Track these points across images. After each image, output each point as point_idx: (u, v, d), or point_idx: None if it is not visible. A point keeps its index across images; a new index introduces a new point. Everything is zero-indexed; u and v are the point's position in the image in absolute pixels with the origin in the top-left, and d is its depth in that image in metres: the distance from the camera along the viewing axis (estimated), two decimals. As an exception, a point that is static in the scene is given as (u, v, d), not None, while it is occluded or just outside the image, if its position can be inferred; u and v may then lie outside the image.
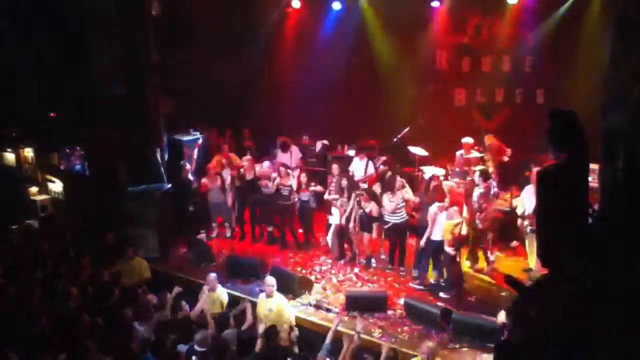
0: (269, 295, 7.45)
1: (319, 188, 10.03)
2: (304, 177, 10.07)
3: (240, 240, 10.67)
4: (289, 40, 13.47)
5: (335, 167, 10.11)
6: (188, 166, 10.77)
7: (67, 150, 11.56)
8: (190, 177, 10.69)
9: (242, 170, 10.46)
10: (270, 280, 7.56)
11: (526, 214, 8.75)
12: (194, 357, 6.08)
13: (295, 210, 10.13)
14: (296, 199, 10.03)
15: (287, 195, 10.01)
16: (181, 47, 11.91)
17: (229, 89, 12.65)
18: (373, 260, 9.54)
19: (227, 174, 10.58)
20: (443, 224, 8.23)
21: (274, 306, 7.35)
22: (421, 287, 8.65)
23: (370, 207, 9.16)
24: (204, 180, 10.59)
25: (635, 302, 4.06)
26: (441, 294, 8.38)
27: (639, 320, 3.98)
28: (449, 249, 8.22)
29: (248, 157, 10.72)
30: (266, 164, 10.44)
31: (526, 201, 8.75)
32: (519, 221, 8.99)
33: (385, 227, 9.22)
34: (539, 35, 11.27)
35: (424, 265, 8.71)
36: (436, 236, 8.42)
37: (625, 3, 4.37)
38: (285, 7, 13.22)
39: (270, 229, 10.59)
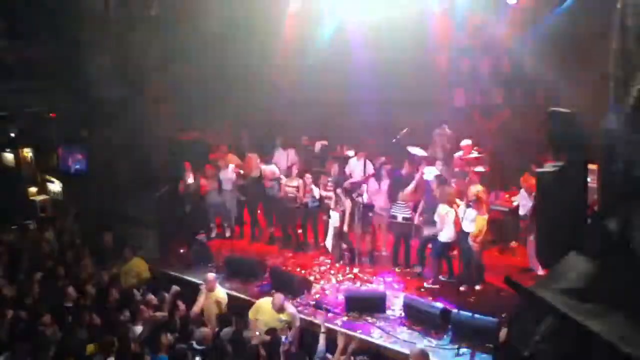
0: (279, 311, 7.28)
1: (316, 192, 9.98)
2: (308, 179, 10.05)
3: (239, 239, 10.67)
4: (289, 39, 13.43)
5: (335, 167, 10.08)
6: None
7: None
8: (190, 177, 10.67)
9: (241, 170, 10.45)
10: (278, 297, 7.33)
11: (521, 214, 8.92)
12: (197, 358, 6.07)
13: (301, 213, 10.17)
14: (303, 201, 10.03)
15: (293, 198, 10.04)
16: (181, 47, 11.90)
17: (228, 89, 12.63)
18: (373, 258, 9.57)
19: (224, 175, 10.56)
20: (475, 220, 8.23)
21: (286, 317, 7.27)
22: (436, 286, 8.65)
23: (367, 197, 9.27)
24: (202, 181, 10.57)
25: (634, 301, 4.06)
26: (461, 288, 8.44)
27: (638, 320, 3.97)
28: (474, 243, 8.25)
29: (254, 154, 10.68)
30: (270, 167, 10.43)
31: (521, 204, 8.99)
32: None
33: (394, 221, 9.23)
34: (539, 35, 11.25)
35: (435, 264, 8.75)
36: (443, 237, 8.52)
37: (624, 5, 4.37)
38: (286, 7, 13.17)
39: (271, 229, 10.60)
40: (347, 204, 9.25)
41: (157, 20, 10.53)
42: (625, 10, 4.35)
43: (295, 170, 10.24)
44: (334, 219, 9.41)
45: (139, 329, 6.77)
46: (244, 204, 10.64)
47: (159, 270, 9.51)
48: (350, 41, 12.55)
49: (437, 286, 8.65)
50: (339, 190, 9.43)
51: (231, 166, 10.60)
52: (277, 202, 10.29)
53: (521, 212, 9.15)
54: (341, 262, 9.55)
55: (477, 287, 8.49)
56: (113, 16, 10.01)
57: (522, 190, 9.07)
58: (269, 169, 10.36)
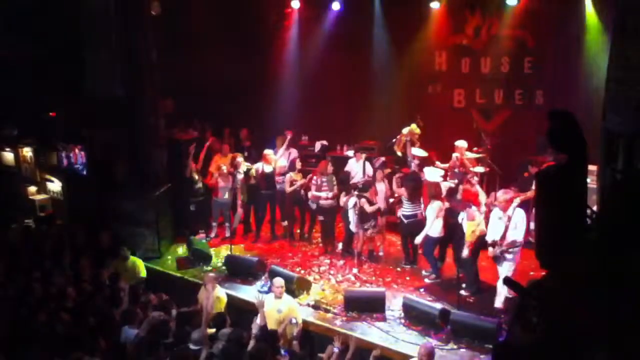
0: (277, 297, 7.42)
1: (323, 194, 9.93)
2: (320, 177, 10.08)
3: (244, 235, 10.69)
4: (289, 40, 13.46)
5: (329, 166, 10.05)
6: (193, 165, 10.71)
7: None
8: (195, 175, 10.64)
9: (254, 169, 10.44)
10: (279, 281, 7.53)
11: (493, 239, 7.77)
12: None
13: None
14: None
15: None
16: (181, 47, 11.90)
17: (228, 89, 12.63)
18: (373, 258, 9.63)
19: (239, 174, 10.45)
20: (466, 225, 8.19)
21: (284, 307, 7.32)
22: (437, 280, 8.72)
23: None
24: (216, 178, 10.51)
25: (634, 302, 4.06)
26: (462, 292, 8.31)
27: (638, 320, 3.97)
28: (466, 250, 8.17)
29: (271, 151, 10.66)
30: (282, 161, 10.46)
31: (492, 226, 7.90)
32: (489, 249, 7.85)
33: (406, 221, 9.19)
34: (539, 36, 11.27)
35: (433, 260, 8.80)
36: (434, 232, 8.58)
37: (624, 5, 4.38)
38: (285, 7, 13.21)
39: (284, 223, 10.59)
40: (353, 201, 9.25)
41: (157, 20, 10.51)
42: (625, 10, 4.36)
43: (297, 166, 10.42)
44: (352, 222, 9.33)
45: (132, 330, 6.72)
46: (251, 203, 10.55)
47: (158, 269, 9.51)
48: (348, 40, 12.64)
49: (438, 280, 8.73)
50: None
51: (243, 165, 10.51)
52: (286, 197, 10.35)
53: (489, 237, 7.84)
54: (342, 261, 9.56)
55: (469, 292, 8.39)
56: (113, 15, 9.98)
57: (497, 210, 7.86)
58: (280, 163, 10.38)
